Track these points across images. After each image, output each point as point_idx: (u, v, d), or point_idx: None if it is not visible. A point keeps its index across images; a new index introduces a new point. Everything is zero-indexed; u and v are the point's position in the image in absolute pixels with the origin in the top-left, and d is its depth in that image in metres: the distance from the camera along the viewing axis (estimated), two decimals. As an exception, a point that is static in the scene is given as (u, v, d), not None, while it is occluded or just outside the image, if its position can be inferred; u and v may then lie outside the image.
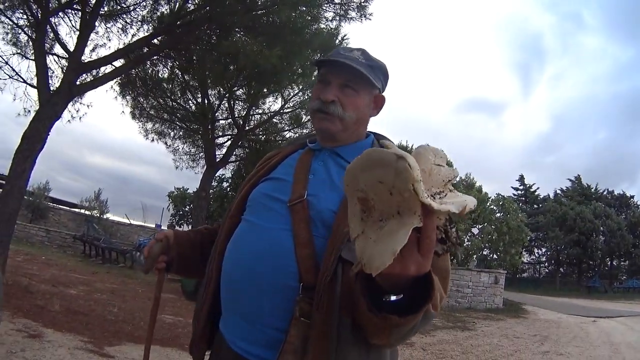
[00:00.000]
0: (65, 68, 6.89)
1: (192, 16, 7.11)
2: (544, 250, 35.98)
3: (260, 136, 12.55)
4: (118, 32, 7.74)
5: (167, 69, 9.76)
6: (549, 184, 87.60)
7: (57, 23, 7.15)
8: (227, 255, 1.05)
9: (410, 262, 0.61)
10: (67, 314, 5.30)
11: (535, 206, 37.36)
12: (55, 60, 7.37)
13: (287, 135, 11.73)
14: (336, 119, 1.08)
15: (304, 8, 7.11)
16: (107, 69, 7.35)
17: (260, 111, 11.80)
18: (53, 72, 7.12)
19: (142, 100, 10.74)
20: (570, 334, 8.90)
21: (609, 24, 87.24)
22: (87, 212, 20.05)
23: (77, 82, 6.70)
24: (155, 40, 7.40)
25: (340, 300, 0.86)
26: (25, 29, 7.18)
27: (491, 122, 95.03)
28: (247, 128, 11.84)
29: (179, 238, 1.23)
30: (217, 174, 14.96)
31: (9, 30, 7.22)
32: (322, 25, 8.18)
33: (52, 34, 7.06)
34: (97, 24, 7.11)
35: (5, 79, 7.14)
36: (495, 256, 20.42)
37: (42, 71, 6.46)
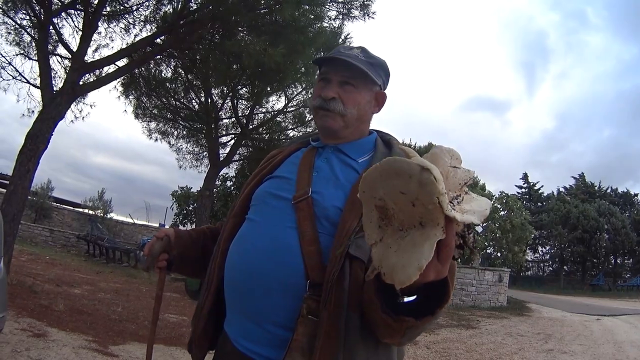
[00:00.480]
0: (68, 68, 6.92)
1: (195, 15, 7.11)
2: (547, 248, 35.86)
3: (264, 135, 12.51)
4: (121, 32, 7.79)
5: (170, 68, 9.78)
6: (553, 182, 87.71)
7: (60, 23, 7.21)
8: (231, 254, 1.04)
9: (430, 269, 0.60)
10: (72, 314, 5.31)
11: (539, 204, 37.28)
12: (58, 61, 7.43)
13: (291, 134, 11.67)
14: (337, 116, 1.08)
15: (307, 7, 7.10)
16: (110, 69, 7.39)
17: (264, 110, 11.77)
18: (56, 73, 7.18)
19: (145, 99, 10.73)
20: (574, 332, 8.86)
21: (614, 22, 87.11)
22: (90, 212, 20.04)
23: (80, 82, 6.72)
24: (158, 40, 7.41)
25: (348, 298, 0.85)
26: (29, 30, 7.23)
27: (496, 120, 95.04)
28: (250, 127, 11.80)
29: (180, 237, 1.22)
30: (221, 173, 14.99)
31: (12, 31, 7.27)
32: (325, 24, 8.17)
33: (55, 35, 7.10)
34: (99, 24, 7.13)
35: (9, 80, 7.22)
36: (499, 254, 20.37)
37: (45, 71, 6.48)
